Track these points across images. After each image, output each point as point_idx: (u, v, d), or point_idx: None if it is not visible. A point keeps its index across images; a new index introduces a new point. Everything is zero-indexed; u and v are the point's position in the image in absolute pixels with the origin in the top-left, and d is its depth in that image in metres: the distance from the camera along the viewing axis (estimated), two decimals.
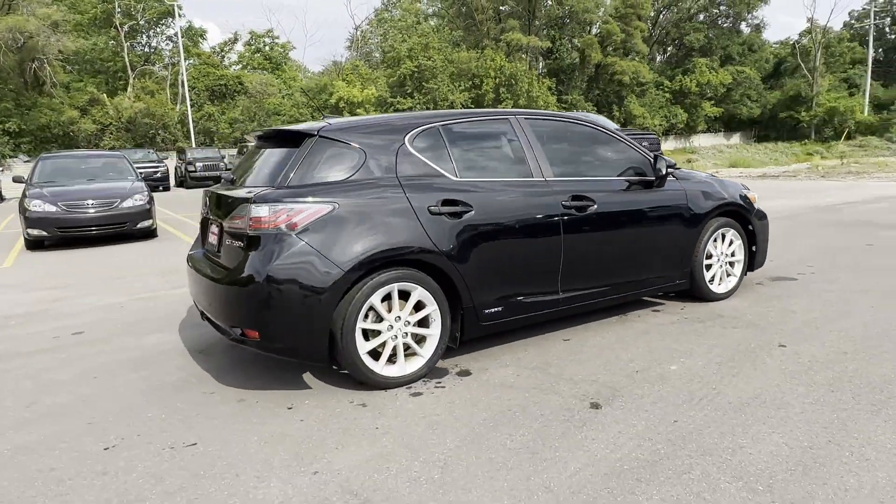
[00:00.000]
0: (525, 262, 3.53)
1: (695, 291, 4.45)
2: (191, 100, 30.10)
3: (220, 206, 3.38)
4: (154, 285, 6.12)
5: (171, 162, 27.07)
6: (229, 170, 25.05)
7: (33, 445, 2.75)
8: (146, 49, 38.69)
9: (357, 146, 3.22)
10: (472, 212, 3.33)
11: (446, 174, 3.38)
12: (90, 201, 9.09)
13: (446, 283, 3.28)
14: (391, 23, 49.51)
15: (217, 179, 24.97)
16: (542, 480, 2.27)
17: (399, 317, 3.17)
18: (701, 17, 48.63)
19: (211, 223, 3.58)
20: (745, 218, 4.64)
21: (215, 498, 2.26)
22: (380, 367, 3.14)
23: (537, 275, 3.59)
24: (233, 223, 3.11)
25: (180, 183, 24.98)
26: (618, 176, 4.08)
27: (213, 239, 3.51)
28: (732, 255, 4.63)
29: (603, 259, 3.86)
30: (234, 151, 28.62)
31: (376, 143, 3.27)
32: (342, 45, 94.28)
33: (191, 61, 35.25)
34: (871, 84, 46.79)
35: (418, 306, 3.24)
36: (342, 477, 2.37)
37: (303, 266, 2.91)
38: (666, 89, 45.28)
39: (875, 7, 51.12)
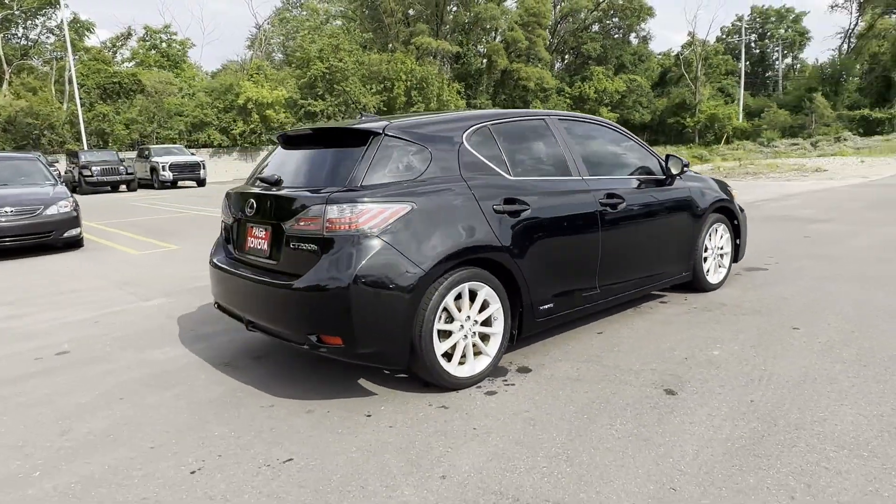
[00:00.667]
0: (572, 258, 3.63)
1: (695, 283, 4.76)
2: (80, 98, 27.63)
3: (273, 208, 3.20)
4: (119, 299, 5.63)
5: (61, 165, 24.76)
6: (131, 174, 23.46)
7: (104, 476, 2.48)
8: (23, 42, 35.13)
9: (422, 145, 3.17)
10: (529, 210, 3.38)
11: (502, 173, 3.40)
12: (7, 209, 8.17)
13: (508, 281, 3.31)
14: (294, 22, 48.27)
15: (115, 186, 23.18)
16: (671, 464, 2.37)
17: (468, 316, 3.16)
18: (596, 27, 51.51)
19: (251, 226, 3.37)
20: (732, 213, 5.02)
21: None
22: (453, 368, 3.11)
23: (581, 270, 3.71)
24: (300, 225, 2.95)
25: (73, 189, 22.90)
26: (632, 174, 4.29)
27: (257, 243, 3.31)
28: (722, 248, 4.99)
29: (630, 253, 4.04)
30: (133, 154, 26.66)
31: (439, 141, 3.24)
32: (242, 44, 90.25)
33: (78, 56, 32.36)
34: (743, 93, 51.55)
35: (482, 305, 3.24)
36: (475, 478, 2.34)
37: (388, 267, 2.83)
38: (567, 95, 47.49)
39: (744, 24, 56.46)
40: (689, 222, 4.52)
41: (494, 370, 3.37)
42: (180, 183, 24.69)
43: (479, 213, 3.16)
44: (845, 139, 37.91)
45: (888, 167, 17.42)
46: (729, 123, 47.52)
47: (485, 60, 43.42)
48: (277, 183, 3.32)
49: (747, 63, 64.05)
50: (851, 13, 55.31)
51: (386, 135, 3.10)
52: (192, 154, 26.40)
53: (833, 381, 3.06)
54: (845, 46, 55.14)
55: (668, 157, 4.41)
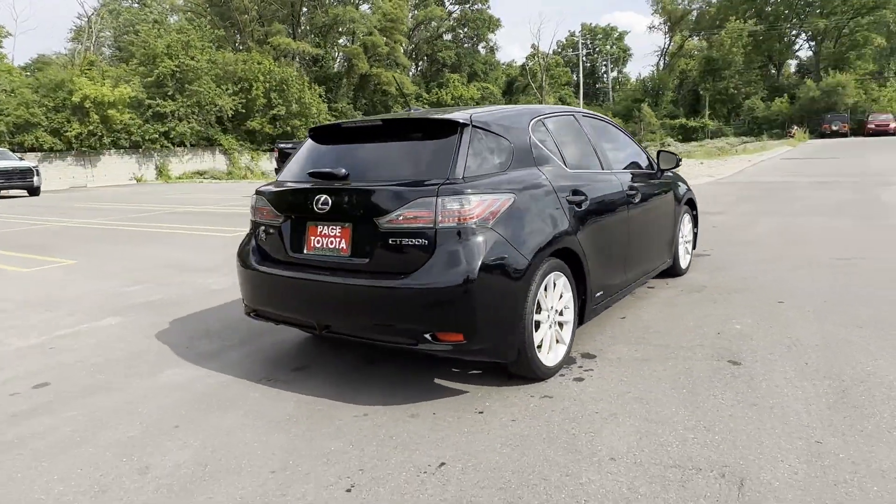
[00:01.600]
0: (613, 248, 3.82)
1: (673, 269, 5.21)
2: None
3: (358, 203, 2.98)
4: (57, 321, 4.83)
5: None
6: None
7: None
8: None
9: (505, 137, 3.16)
10: (588, 201, 3.51)
11: (561, 164, 3.50)
12: None
13: (575, 271, 3.40)
14: (128, 14, 44.02)
15: None
16: (797, 421, 2.63)
17: (552, 306, 3.21)
18: (449, 36, 53.25)
19: (317, 225, 3.11)
20: (694, 204, 5.57)
21: (565, 500, 2.13)
22: (544, 358, 3.14)
23: (618, 259, 3.91)
24: (402, 220, 2.80)
25: None
26: (628, 167, 4.60)
27: (328, 242, 3.06)
28: (686, 236, 5.52)
29: (644, 243, 4.34)
30: None
31: (515, 133, 3.25)
32: (64, 36, 79.40)
33: None
34: (582, 103, 56.39)
35: (559, 295, 3.30)
36: (642, 455, 2.41)
37: (504, 260, 2.80)
38: (425, 101, 48.50)
39: (580, 39, 61.75)
40: (674, 211, 4.94)
41: (566, 358, 3.45)
42: (4, 192, 21.24)
43: (559, 203, 3.23)
44: (669, 144, 42.85)
45: (724, 167, 20.12)
46: None
47: (345, 64, 42.89)
48: (346, 177, 3.10)
49: (581, 76, 70.23)
50: (665, 34, 62.92)
51: (473, 126, 3.05)
52: (21, 159, 22.98)
53: (851, 343, 3.55)
54: (662, 63, 62.48)
55: (660, 152, 4.79)
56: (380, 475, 2.37)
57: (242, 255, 3.51)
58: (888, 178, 13.48)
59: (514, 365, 3.06)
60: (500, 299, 2.80)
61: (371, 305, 2.87)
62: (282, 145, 17.21)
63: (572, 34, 71.61)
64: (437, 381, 3.29)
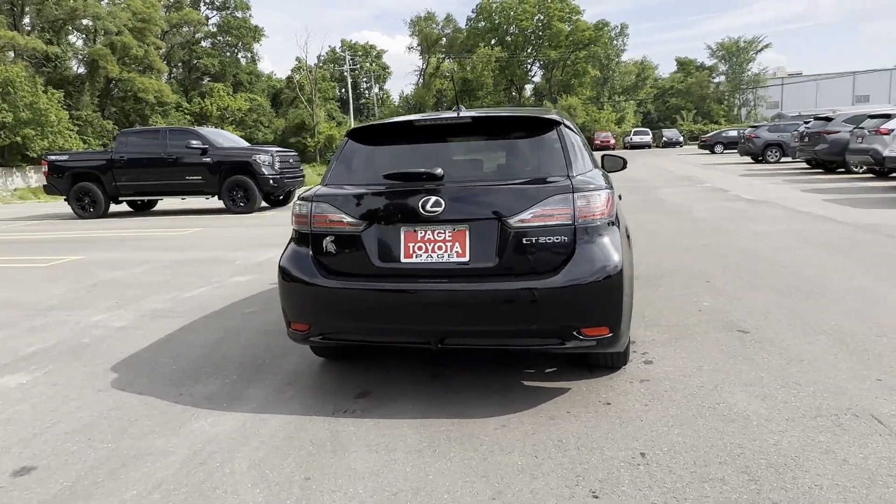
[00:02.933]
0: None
1: None
2: None
3: (481, 203, 2.81)
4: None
5: None
6: None
7: None
8: None
9: (580, 135, 3.26)
10: None
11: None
12: None
13: None
14: None
15: None
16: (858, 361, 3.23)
17: None
18: (207, 43, 49.61)
19: (420, 230, 2.83)
20: None
21: (771, 454, 2.35)
22: None
23: None
24: (534, 218, 2.73)
25: None
26: None
27: (436, 247, 2.81)
28: None
29: None
30: None
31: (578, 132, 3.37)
32: None
33: None
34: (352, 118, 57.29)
35: None
36: (781, 409, 2.74)
37: (629, 251, 2.90)
38: (186, 111, 44.51)
39: (347, 54, 62.63)
40: None
41: None
42: None
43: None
44: None
45: None
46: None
47: (86, 66, 37.13)
48: (441, 178, 2.88)
49: (343, 90, 71.33)
50: (420, 55, 67.34)
51: (563, 125, 3.10)
52: None
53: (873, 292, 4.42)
54: (422, 82, 66.67)
55: (604, 156, 5.29)
56: (604, 476, 2.31)
57: (296, 273, 3.01)
58: (650, 183, 16.42)
59: (618, 355, 3.17)
60: (630, 289, 2.91)
61: (509, 309, 2.73)
62: (52, 157, 14.31)
63: (332, 49, 72.35)
64: (525, 383, 3.25)
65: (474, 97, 56.84)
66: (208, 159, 13.27)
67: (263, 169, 13.13)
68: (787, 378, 3.12)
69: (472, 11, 63.08)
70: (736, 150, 27.99)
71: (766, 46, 61.36)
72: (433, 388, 3.25)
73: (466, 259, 2.80)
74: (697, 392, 3.01)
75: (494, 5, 61.03)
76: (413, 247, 2.86)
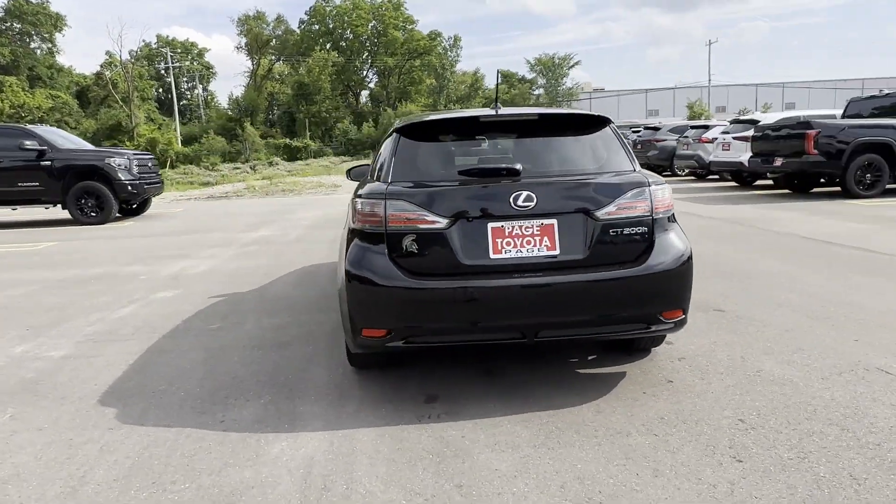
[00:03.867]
0: None
1: None
2: None
3: (570, 197, 2.88)
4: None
5: None
6: None
7: None
8: None
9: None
10: None
11: None
12: None
13: None
14: None
15: None
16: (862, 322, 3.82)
17: None
18: None
19: (507, 225, 2.81)
20: None
21: (836, 408, 2.75)
22: None
23: None
24: (618, 211, 2.87)
25: None
26: None
27: (525, 241, 2.81)
28: None
29: None
30: None
31: None
32: None
33: None
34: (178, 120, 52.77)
35: None
36: (817, 368, 3.19)
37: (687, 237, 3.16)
38: None
39: (168, 51, 57.44)
40: None
41: None
42: None
43: None
44: (277, 163, 44.11)
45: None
46: (171, 148, 47.90)
47: None
48: (514, 172, 2.91)
49: (161, 91, 65.45)
50: (248, 56, 63.99)
51: (612, 122, 3.28)
52: None
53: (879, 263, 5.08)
54: (254, 84, 63.39)
55: None
56: (729, 442, 2.51)
57: (372, 275, 2.81)
58: None
59: (659, 338, 3.42)
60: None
61: (602, 299, 2.84)
62: None
63: (147, 45, 65.94)
64: (578, 371, 3.37)
65: (311, 101, 55.48)
66: (48, 163, 11.45)
67: (120, 174, 11.64)
68: (791, 344, 3.62)
69: (306, 14, 61.69)
70: None
71: (577, 63, 68.23)
72: (493, 383, 3.24)
73: (556, 252, 2.85)
74: (733, 364, 3.37)
75: (328, 9, 60.21)
76: (501, 242, 2.84)
